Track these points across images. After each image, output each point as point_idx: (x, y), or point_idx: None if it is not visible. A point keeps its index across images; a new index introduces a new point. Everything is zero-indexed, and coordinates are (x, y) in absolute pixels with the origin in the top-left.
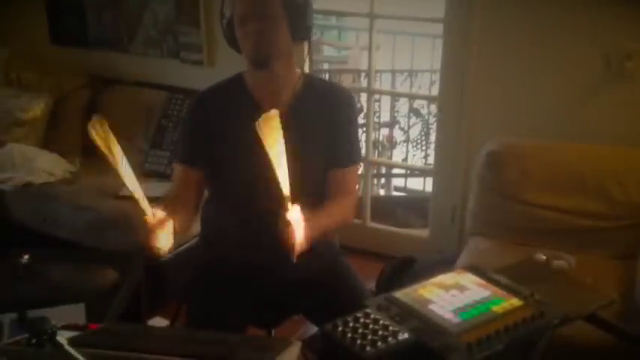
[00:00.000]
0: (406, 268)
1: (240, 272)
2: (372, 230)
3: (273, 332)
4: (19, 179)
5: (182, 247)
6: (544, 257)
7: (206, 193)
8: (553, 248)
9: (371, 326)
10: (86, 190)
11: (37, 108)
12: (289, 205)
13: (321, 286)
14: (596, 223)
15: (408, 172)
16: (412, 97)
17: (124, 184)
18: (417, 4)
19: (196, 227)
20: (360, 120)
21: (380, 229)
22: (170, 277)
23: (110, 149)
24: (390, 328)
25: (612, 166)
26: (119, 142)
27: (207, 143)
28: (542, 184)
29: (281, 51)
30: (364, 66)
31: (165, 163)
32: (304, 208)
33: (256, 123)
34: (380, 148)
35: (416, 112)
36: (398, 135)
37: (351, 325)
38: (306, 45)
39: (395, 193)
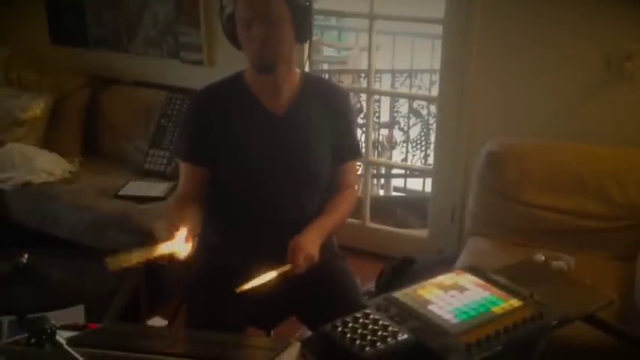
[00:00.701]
0: (405, 269)
1: (240, 273)
2: (372, 230)
3: (272, 333)
4: (18, 179)
5: None
6: (543, 258)
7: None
8: (552, 249)
9: (370, 327)
10: (86, 189)
11: (37, 108)
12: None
13: (318, 289)
14: (596, 223)
15: (408, 172)
16: (412, 98)
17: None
18: (417, 4)
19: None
20: (360, 120)
21: (379, 229)
22: (169, 278)
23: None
24: (390, 328)
25: (612, 166)
26: (119, 142)
27: (210, 141)
28: (541, 185)
29: (285, 55)
30: (364, 66)
31: (164, 162)
32: (310, 210)
33: None
34: (380, 149)
35: (416, 113)
36: (398, 135)
37: (350, 325)
38: (306, 45)
39: (394, 194)
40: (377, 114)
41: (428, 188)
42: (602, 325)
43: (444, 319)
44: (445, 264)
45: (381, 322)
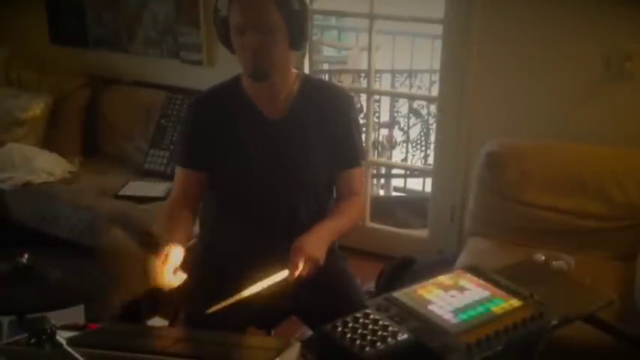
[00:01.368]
0: (406, 269)
1: (238, 274)
2: (372, 230)
3: (272, 332)
4: (18, 179)
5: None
6: (543, 258)
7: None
8: (552, 249)
9: (370, 327)
10: (86, 189)
11: (36, 108)
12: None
13: (318, 289)
14: (596, 223)
15: (408, 172)
16: (412, 98)
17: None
18: (417, 4)
19: (196, 227)
20: (360, 120)
21: (379, 229)
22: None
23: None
24: (390, 328)
25: (612, 166)
26: (119, 142)
27: (206, 147)
28: (541, 185)
29: (279, 63)
30: (364, 66)
31: (164, 162)
32: (305, 216)
33: None
34: (380, 149)
35: (416, 113)
36: (398, 135)
37: (350, 325)
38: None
39: (394, 194)
40: (377, 114)
41: (428, 188)
42: (602, 325)
43: (444, 319)
44: (445, 264)
45: (381, 322)
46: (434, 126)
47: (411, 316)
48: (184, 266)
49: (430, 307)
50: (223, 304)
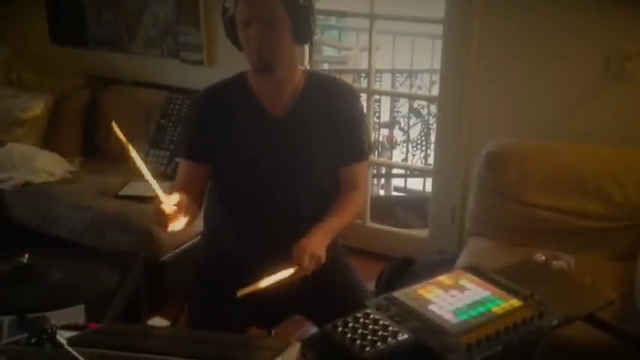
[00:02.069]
0: (406, 269)
1: (241, 272)
2: (372, 230)
3: (272, 332)
4: (18, 179)
5: (182, 247)
6: (543, 258)
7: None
8: (552, 249)
9: (371, 326)
10: (86, 189)
11: (37, 108)
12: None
13: (322, 285)
14: (596, 223)
15: (408, 172)
16: (412, 98)
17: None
18: (417, 4)
19: (195, 226)
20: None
21: (380, 229)
22: (170, 277)
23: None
24: (390, 328)
25: (612, 166)
26: (119, 142)
27: (211, 141)
28: (541, 185)
29: (284, 56)
30: (364, 66)
31: (164, 162)
32: (308, 212)
33: None
34: (380, 149)
35: (416, 113)
36: (398, 135)
37: (350, 325)
38: (307, 46)
39: (395, 194)
40: (377, 114)
41: (428, 188)
42: (602, 325)
43: (444, 319)
44: (445, 264)
45: (381, 322)
46: (434, 126)
47: (411, 316)
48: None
49: (430, 307)
50: (250, 289)
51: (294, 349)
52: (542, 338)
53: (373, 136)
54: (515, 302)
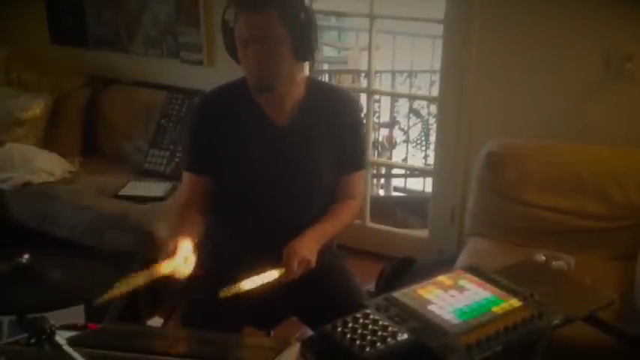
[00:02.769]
0: (406, 269)
1: (238, 276)
2: (372, 230)
3: (272, 333)
4: (18, 179)
5: None
6: (543, 258)
7: None
8: (552, 249)
9: (370, 327)
10: (86, 189)
11: (36, 108)
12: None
13: (318, 288)
14: (596, 223)
15: (408, 172)
16: (412, 98)
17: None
18: (417, 4)
19: None
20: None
21: (379, 229)
22: (170, 281)
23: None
24: (390, 328)
25: (612, 166)
26: (119, 142)
27: (212, 152)
28: (541, 185)
29: (285, 75)
30: (364, 66)
31: (164, 162)
32: (310, 220)
33: None
34: (380, 149)
35: (416, 113)
36: (398, 135)
37: (350, 325)
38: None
39: (394, 194)
40: (377, 114)
41: (428, 188)
42: (602, 325)
43: (444, 319)
44: (445, 264)
45: (381, 323)
46: (434, 126)
47: (411, 316)
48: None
49: (430, 307)
50: (234, 290)
51: (294, 349)
52: (542, 338)
53: (373, 136)
54: (515, 302)
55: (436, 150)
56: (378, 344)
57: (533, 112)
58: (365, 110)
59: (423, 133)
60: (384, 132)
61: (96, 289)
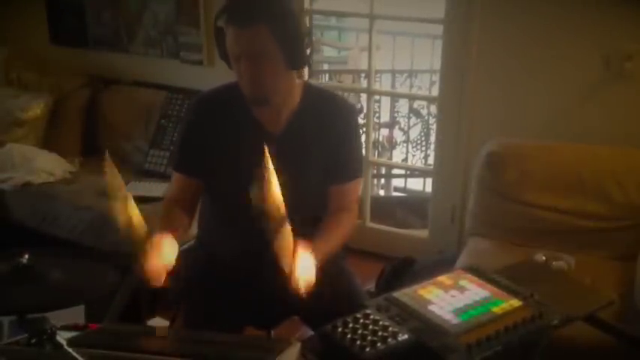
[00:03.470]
0: (406, 269)
1: (238, 274)
2: (372, 230)
3: (272, 332)
4: (18, 179)
5: (181, 248)
6: (543, 258)
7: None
8: (552, 249)
9: (370, 327)
10: (86, 190)
11: (36, 108)
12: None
13: (318, 288)
14: (596, 223)
15: (408, 172)
16: (412, 98)
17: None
18: (417, 4)
19: (194, 227)
20: (360, 120)
21: (380, 229)
22: (169, 277)
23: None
24: (390, 328)
25: (612, 166)
26: (119, 142)
27: (203, 156)
28: (541, 185)
29: (279, 87)
30: (364, 66)
31: (164, 163)
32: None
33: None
34: (380, 149)
35: (416, 113)
36: (398, 135)
37: (350, 325)
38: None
39: (395, 194)
40: (377, 114)
41: (428, 188)
42: (602, 325)
43: (444, 319)
44: (445, 264)
45: (381, 323)
46: (434, 126)
47: (411, 317)
48: (177, 264)
49: (430, 307)
50: None
51: (294, 349)
52: (542, 338)
53: (373, 136)
54: (515, 302)
55: (436, 150)
56: (379, 344)
57: (533, 112)
58: (365, 110)
59: (423, 133)
60: (384, 132)
61: (96, 289)
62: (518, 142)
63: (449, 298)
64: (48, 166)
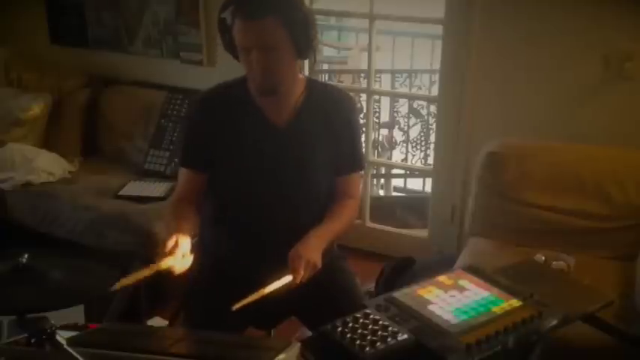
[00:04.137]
0: (405, 269)
1: (237, 276)
2: (372, 230)
3: (272, 333)
4: (18, 179)
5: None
6: (543, 258)
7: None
8: (552, 249)
9: (370, 327)
10: (86, 189)
11: (37, 108)
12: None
13: (318, 288)
14: (596, 223)
15: (408, 172)
16: (412, 98)
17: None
18: (417, 4)
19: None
20: (360, 120)
21: (379, 229)
22: (169, 277)
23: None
24: (390, 328)
25: (611, 166)
26: (119, 142)
27: (209, 150)
28: (541, 185)
29: (287, 77)
30: (364, 66)
31: (164, 162)
32: (307, 222)
33: None
34: (379, 149)
35: (415, 113)
36: (398, 135)
37: (350, 325)
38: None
39: (394, 194)
40: (377, 114)
41: (428, 188)
42: (602, 325)
43: (444, 319)
44: (445, 264)
45: (381, 322)
46: (434, 126)
47: (411, 316)
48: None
49: (430, 307)
50: (246, 300)
51: (294, 349)
52: (542, 338)
53: (373, 136)
54: (515, 302)
55: (436, 150)
56: (378, 344)
57: (533, 112)
58: (365, 110)
59: (422, 133)
60: (384, 132)
61: (96, 289)
62: (518, 142)
63: (449, 298)
64: (48, 166)
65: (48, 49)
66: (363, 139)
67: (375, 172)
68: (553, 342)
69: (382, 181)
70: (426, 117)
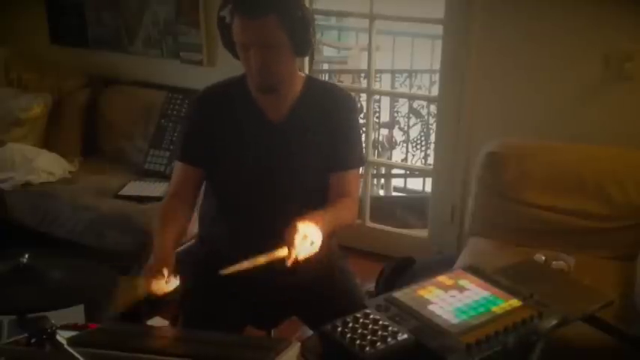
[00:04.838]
0: (405, 269)
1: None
2: (372, 230)
3: (272, 333)
4: (18, 179)
5: (181, 247)
6: (543, 258)
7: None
8: (552, 249)
9: (370, 327)
10: (86, 189)
11: (37, 108)
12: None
13: (318, 288)
14: (596, 223)
15: (408, 172)
16: (412, 98)
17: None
18: (417, 4)
19: (191, 228)
20: (360, 120)
21: (379, 229)
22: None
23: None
24: (390, 328)
25: (612, 166)
26: (119, 142)
27: (207, 145)
28: (541, 185)
29: (286, 75)
30: (364, 66)
31: (164, 163)
32: (304, 212)
33: None
34: (380, 149)
35: (415, 113)
36: (398, 135)
37: (350, 325)
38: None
39: (394, 194)
40: (377, 114)
41: (428, 188)
42: (602, 325)
43: (444, 319)
44: (445, 264)
45: (381, 322)
46: (434, 126)
47: (411, 316)
48: (177, 268)
49: (430, 307)
50: (236, 268)
51: (294, 349)
52: (542, 338)
53: (373, 136)
54: (515, 302)
55: (436, 150)
56: (378, 344)
57: (533, 112)
58: (365, 110)
59: (422, 133)
60: (384, 132)
61: (96, 289)
62: (518, 142)
63: (449, 298)
64: (48, 166)
65: (48, 49)
66: (363, 138)
67: (375, 172)
68: (553, 342)
69: (382, 181)
70: (426, 117)
